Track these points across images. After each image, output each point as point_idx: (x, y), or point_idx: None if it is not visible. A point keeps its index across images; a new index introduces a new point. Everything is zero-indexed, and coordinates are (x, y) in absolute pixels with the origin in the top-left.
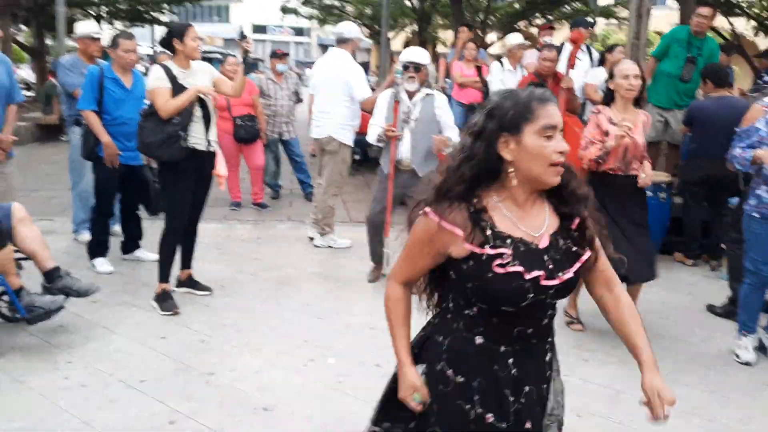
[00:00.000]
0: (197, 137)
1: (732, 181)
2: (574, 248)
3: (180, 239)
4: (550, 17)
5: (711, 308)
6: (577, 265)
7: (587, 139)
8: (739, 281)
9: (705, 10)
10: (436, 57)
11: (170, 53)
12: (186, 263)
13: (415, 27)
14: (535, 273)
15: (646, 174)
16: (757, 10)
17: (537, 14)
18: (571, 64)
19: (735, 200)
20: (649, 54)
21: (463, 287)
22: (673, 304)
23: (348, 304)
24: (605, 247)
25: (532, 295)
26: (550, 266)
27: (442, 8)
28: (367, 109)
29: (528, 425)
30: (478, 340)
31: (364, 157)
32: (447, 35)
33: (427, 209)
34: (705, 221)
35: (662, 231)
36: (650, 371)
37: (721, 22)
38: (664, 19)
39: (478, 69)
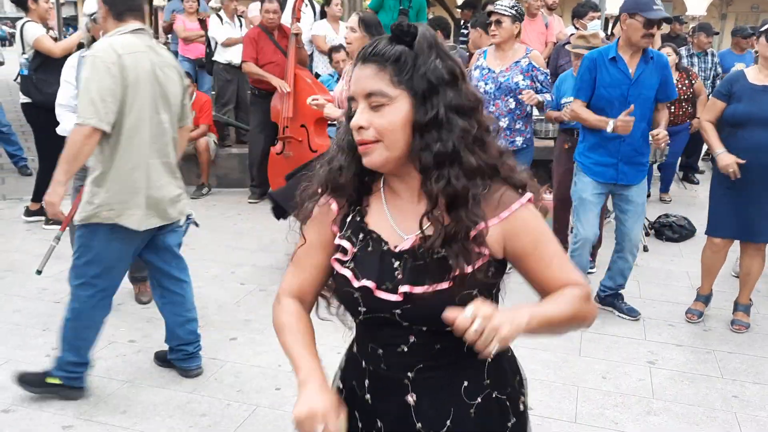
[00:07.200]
0: None
1: None
2: (450, 260)
3: None
4: None
5: None
6: (444, 284)
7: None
8: None
9: None
10: (153, 11)
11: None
12: None
13: None
14: (364, 282)
15: None
16: None
17: None
18: (297, 18)
19: None
20: (366, 6)
21: None
22: None
23: None
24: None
25: (364, 308)
26: (398, 276)
27: None
28: None
29: None
30: (354, 348)
31: None
32: None
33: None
34: None
35: None
36: (517, 307)
37: None
38: None
39: (202, 22)
